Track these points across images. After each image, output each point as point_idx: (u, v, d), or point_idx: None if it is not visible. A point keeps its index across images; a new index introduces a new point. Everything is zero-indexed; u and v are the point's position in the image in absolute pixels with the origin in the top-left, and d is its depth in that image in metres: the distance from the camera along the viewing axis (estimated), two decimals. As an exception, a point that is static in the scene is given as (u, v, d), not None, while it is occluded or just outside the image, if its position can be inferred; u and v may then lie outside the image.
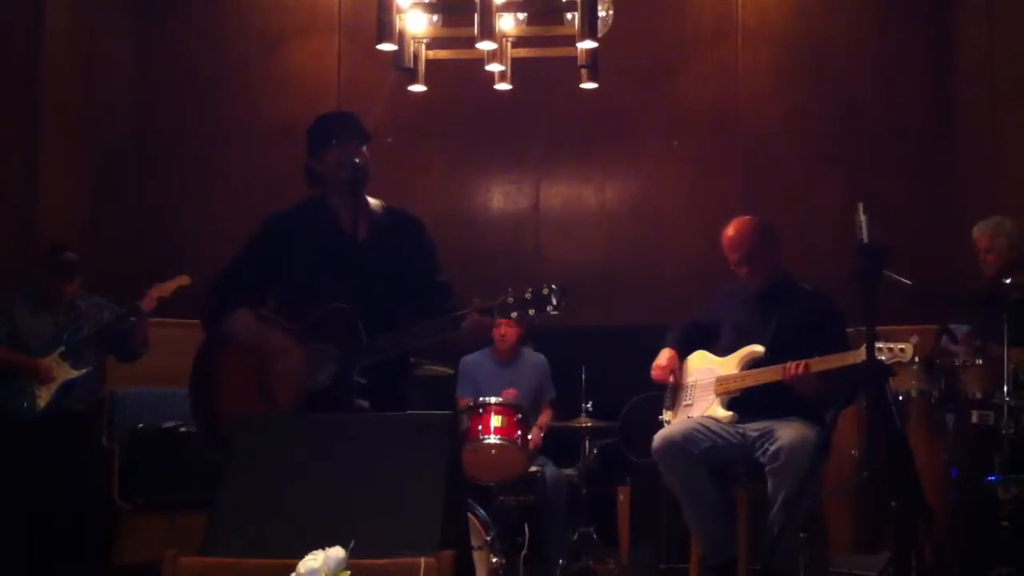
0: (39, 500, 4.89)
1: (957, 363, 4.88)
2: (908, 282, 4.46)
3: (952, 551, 4.66)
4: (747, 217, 4.67)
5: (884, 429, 4.36)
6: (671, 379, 4.66)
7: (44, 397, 5.12)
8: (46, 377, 5.14)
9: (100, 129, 6.68)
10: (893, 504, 4.45)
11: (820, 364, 4.25)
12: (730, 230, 4.62)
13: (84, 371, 5.22)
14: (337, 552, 2.35)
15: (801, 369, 4.25)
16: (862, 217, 3.82)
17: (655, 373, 4.69)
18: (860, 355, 4.11)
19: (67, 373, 5.19)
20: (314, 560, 2.32)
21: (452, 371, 5.80)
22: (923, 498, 4.38)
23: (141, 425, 5.32)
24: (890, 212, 4.08)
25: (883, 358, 4.04)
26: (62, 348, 5.21)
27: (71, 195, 6.37)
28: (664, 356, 4.71)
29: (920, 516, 4.32)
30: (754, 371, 4.43)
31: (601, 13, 4.76)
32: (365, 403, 3.56)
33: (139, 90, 7.01)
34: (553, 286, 3.43)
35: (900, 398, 4.81)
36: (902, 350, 4.05)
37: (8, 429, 5.06)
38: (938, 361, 4.96)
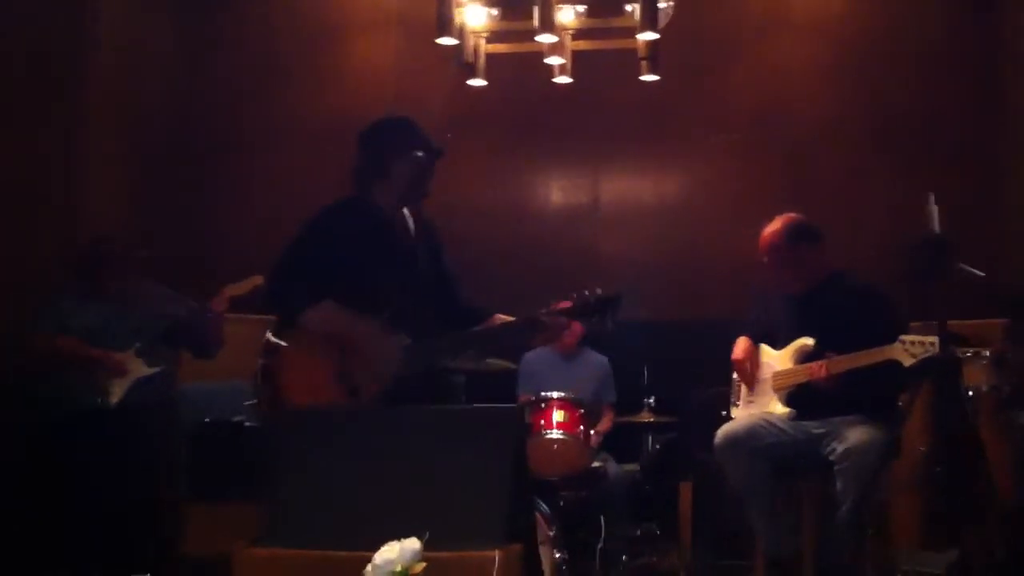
0: (108, 492, 4.94)
1: (1028, 358, 4.78)
2: (981, 274, 4.38)
3: (1021, 549, 4.56)
4: (781, 219, 4.62)
5: (955, 425, 4.30)
6: (748, 368, 4.61)
7: (117, 393, 5.16)
8: (119, 371, 5.15)
9: (150, 125, 6.68)
10: (961, 501, 4.39)
11: (844, 363, 4.20)
12: (763, 233, 4.61)
13: (157, 369, 5.27)
14: (413, 544, 2.35)
15: (823, 372, 4.21)
16: (933, 207, 3.77)
17: (734, 366, 4.66)
18: (887, 352, 4.07)
19: (141, 370, 5.21)
20: (390, 551, 2.32)
21: (515, 365, 5.78)
22: (994, 495, 4.31)
23: (207, 419, 5.36)
24: (949, 209, 4.01)
25: (912, 353, 3.99)
26: (138, 344, 5.27)
27: (119, 192, 6.38)
28: (739, 347, 4.66)
29: (990, 513, 4.26)
30: (803, 367, 4.39)
31: (662, 4, 4.73)
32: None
33: (192, 85, 7.03)
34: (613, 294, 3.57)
35: (970, 393, 4.72)
36: (932, 343, 4.00)
37: (78, 420, 5.12)
38: (1008, 356, 4.86)
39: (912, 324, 4.39)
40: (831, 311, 4.43)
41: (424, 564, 2.36)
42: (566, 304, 3.61)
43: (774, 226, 4.60)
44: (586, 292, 3.57)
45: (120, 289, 5.28)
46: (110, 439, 5.01)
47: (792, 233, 4.55)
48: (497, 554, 2.60)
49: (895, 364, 4.08)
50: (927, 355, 4.02)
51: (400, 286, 3.75)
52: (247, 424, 5.27)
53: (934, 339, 4.00)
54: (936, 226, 3.76)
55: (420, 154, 3.78)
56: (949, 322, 4.06)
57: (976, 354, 4.82)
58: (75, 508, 4.90)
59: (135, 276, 5.30)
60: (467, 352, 3.75)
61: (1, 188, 5.48)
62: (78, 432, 5.01)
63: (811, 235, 4.56)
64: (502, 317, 3.88)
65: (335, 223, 3.81)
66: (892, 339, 4.08)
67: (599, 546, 5.25)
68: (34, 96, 5.71)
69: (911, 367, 4.05)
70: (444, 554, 2.55)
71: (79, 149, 6.03)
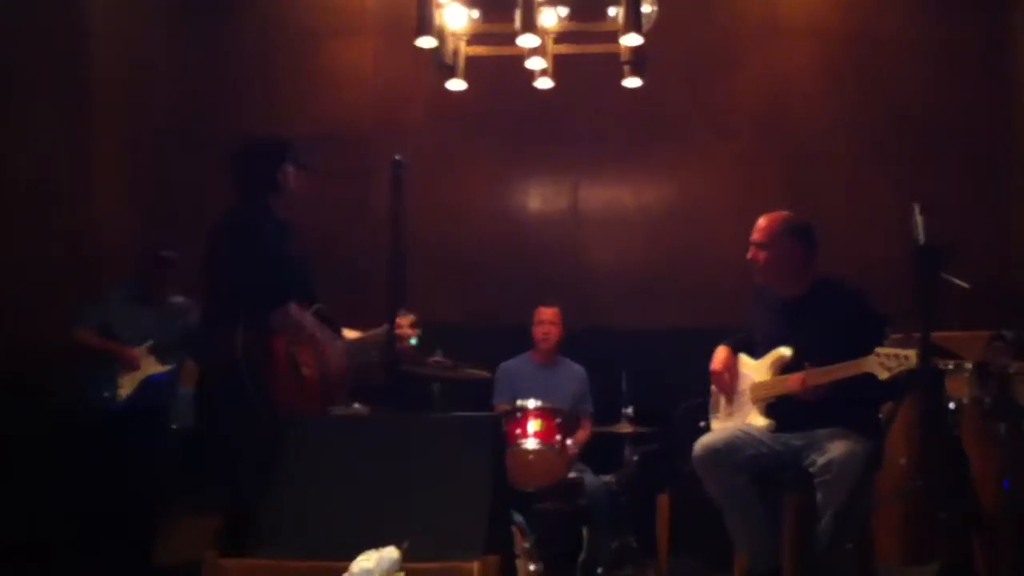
0: (107, 496, 4.97)
1: (1010, 371, 4.75)
2: (966, 285, 4.34)
3: (1005, 562, 4.53)
4: (779, 213, 4.57)
5: (938, 436, 4.26)
6: (727, 379, 4.56)
7: (127, 388, 5.26)
8: (133, 364, 5.30)
9: (150, 132, 6.71)
10: (943, 514, 4.35)
11: (820, 376, 4.16)
12: (761, 222, 4.56)
13: (168, 368, 5.33)
14: (391, 553, 2.29)
15: (798, 385, 4.17)
16: (919, 218, 3.74)
17: (712, 377, 4.61)
18: (863, 365, 4.03)
19: (152, 367, 5.34)
20: (368, 560, 2.26)
21: (489, 374, 5.72)
22: (978, 508, 4.27)
23: (174, 427, 5.33)
24: (944, 212, 3.97)
25: (887, 367, 3.96)
26: (151, 342, 5.33)
27: (124, 200, 6.43)
28: (718, 357, 4.62)
29: (974, 526, 4.22)
30: (781, 379, 4.35)
31: (645, 8, 4.68)
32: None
33: (184, 92, 7.00)
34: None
35: (952, 405, 4.70)
36: (906, 357, 3.96)
37: (86, 420, 5.23)
38: (991, 368, 4.83)
39: (896, 336, 4.35)
40: (813, 321, 4.39)
41: (402, 574, 2.29)
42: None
43: (774, 217, 4.54)
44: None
45: (164, 296, 5.50)
46: (111, 438, 5.15)
47: (792, 229, 4.50)
48: (476, 565, 2.54)
49: (871, 377, 4.04)
50: (902, 369, 3.98)
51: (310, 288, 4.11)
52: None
53: (910, 352, 3.96)
54: (922, 237, 3.72)
55: (303, 164, 4.20)
56: (932, 334, 4.01)
57: (958, 366, 4.80)
58: (70, 505, 5.02)
59: (174, 283, 5.50)
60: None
61: (13, 191, 5.54)
62: (81, 429, 5.18)
63: (809, 237, 4.52)
64: (349, 332, 4.28)
65: (268, 233, 4.02)
66: (869, 352, 4.04)
67: (581, 558, 5.19)
68: (41, 100, 5.80)
69: (888, 380, 4.01)
70: (422, 564, 2.49)
71: (86, 152, 6.13)
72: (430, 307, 4.40)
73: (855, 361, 4.07)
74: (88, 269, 5.91)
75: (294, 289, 3.98)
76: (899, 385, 4.11)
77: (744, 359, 4.62)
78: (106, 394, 5.21)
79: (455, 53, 5.01)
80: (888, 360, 4.00)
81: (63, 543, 5.06)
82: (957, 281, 4.33)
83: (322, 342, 4.01)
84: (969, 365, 4.80)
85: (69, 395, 5.32)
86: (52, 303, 5.54)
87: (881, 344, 4.07)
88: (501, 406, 5.73)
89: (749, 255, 4.52)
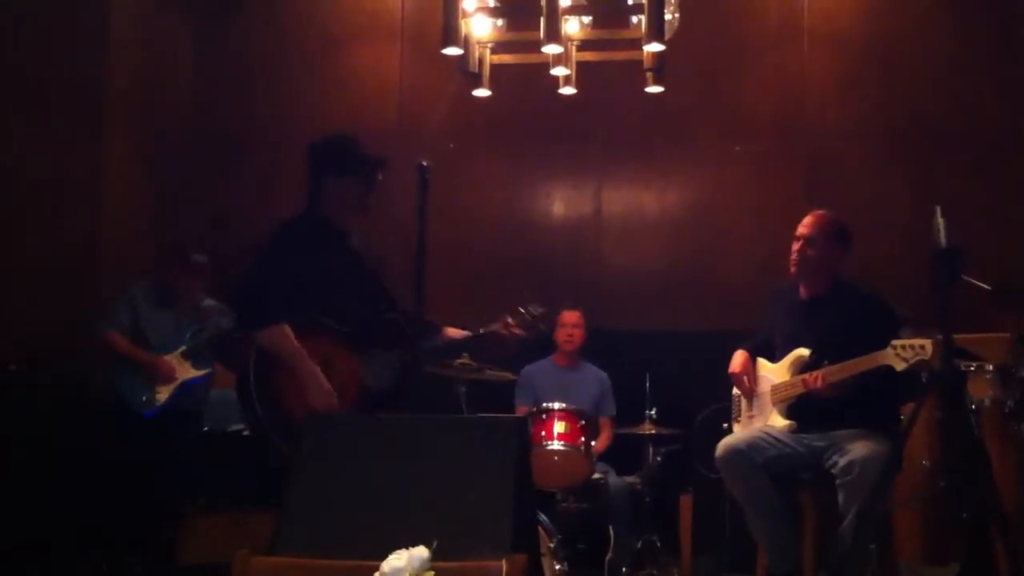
0: (142, 494, 5.00)
1: (1034, 373, 4.76)
2: (987, 287, 4.36)
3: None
4: (828, 212, 4.63)
5: (960, 437, 4.27)
6: (746, 382, 4.60)
7: (164, 393, 5.25)
8: (168, 377, 5.27)
9: (162, 132, 6.74)
10: (965, 515, 4.36)
11: (838, 372, 4.19)
12: (810, 216, 4.61)
13: (205, 372, 5.32)
14: (421, 552, 2.33)
15: (819, 383, 4.20)
16: (940, 220, 3.76)
17: (733, 380, 4.65)
18: (879, 358, 4.06)
19: (188, 372, 5.33)
20: (399, 559, 2.31)
21: (514, 376, 5.76)
22: (999, 509, 4.28)
23: (206, 428, 5.37)
24: (959, 216, 3.99)
25: (903, 358, 3.99)
26: (184, 347, 5.33)
27: (135, 200, 6.44)
28: (736, 361, 4.65)
29: (995, 527, 4.23)
30: (799, 378, 4.38)
31: (668, 16, 4.71)
32: None
33: (200, 93, 7.05)
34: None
35: (973, 406, 4.71)
36: (922, 347, 4.00)
37: (122, 420, 5.23)
38: (1013, 369, 4.85)
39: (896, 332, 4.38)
40: (832, 320, 4.42)
41: (432, 573, 2.34)
42: (513, 322, 4.26)
43: (822, 215, 4.59)
44: (522, 310, 4.28)
45: (189, 297, 5.45)
46: (148, 440, 5.14)
47: (838, 230, 4.56)
48: (504, 563, 2.58)
49: (890, 370, 4.06)
50: (919, 359, 4.01)
51: (361, 300, 3.95)
52: (244, 433, 5.28)
53: (925, 342, 4.00)
54: (943, 239, 3.74)
55: (380, 177, 4.02)
56: (955, 336, 4.04)
57: (980, 367, 4.81)
58: (96, 505, 5.03)
59: (202, 286, 5.47)
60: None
61: (26, 187, 5.57)
62: (117, 428, 5.18)
63: (849, 240, 4.58)
64: (453, 331, 4.24)
65: (304, 241, 3.93)
66: (885, 346, 4.08)
67: (608, 557, 5.23)
68: (54, 101, 5.83)
69: (905, 371, 4.04)
70: (450, 563, 2.53)
71: (99, 149, 6.14)
72: (453, 311, 4.46)
73: (872, 355, 4.11)
74: (98, 269, 5.93)
75: (309, 302, 3.82)
76: (920, 383, 4.14)
77: (763, 363, 4.64)
78: (144, 399, 5.21)
79: (480, 61, 5.04)
80: (904, 351, 4.03)
81: (90, 541, 5.11)
82: (978, 283, 4.35)
83: (295, 377, 3.78)
84: (991, 367, 4.83)
85: (104, 397, 5.34)
86: (64, 302, 5.55)
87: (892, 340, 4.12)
88: (522, 409, 5.78)
89: (794, 247, 4.56)
